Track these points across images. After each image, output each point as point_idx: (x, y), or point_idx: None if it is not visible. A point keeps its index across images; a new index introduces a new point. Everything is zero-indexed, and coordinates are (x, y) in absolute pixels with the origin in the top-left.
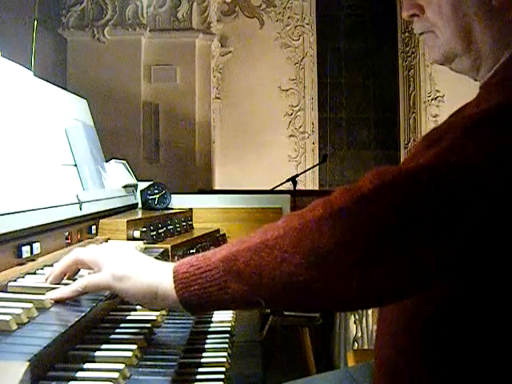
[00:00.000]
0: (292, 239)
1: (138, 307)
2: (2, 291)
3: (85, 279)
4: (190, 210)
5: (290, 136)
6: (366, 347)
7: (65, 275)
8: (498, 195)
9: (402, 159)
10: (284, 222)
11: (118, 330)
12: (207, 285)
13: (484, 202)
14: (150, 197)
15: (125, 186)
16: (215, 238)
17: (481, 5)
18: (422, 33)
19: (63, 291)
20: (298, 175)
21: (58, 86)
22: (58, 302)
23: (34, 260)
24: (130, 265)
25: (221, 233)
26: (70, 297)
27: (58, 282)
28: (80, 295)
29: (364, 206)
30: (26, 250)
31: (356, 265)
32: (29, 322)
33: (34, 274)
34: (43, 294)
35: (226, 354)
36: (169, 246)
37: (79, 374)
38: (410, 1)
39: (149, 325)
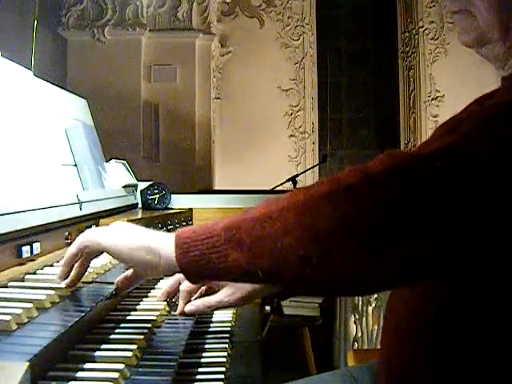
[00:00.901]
0: (295, 213)
1: (139, 307)
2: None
3: (84, 236)
4: (190, 210)
5: (290, 136)
6: (365, 347)
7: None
8: (499, 189)
9: None
10: (289, 196)
11: (117, 330)
12: (207, 251)
13: (486, 195)
14: (150, 197)
15: (125, 186)
16: None
17: None
18: (456, 12)
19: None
20: (298, 175)
21: (58, 86)
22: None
23: (33, 260)
24: (131, 232)
25: None
26: (72, 256)
27: (70, 267)
28: (79, 253)
29: (371, 186)
30: (26, 250)
31: (355, 244)
32: (29, 322)
33: (34, 273)
34: (41, 294)
35: (225, 354)
36: None
37: (79, 374)
38: None
39: (149, 325)
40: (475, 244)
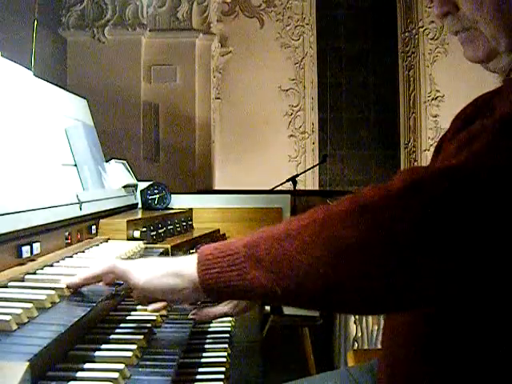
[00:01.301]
0: (314, 230)
1: (139, 307)
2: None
3: (105, 263)
4: (190, 209)
5: (290, 136)
6: (366, 347)
7: (95, 280)
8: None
9: (401, 159)
10: (309, 214)
11: (117, 330)
12: (227, 269)
13: (496, 214)
14: (150, 197)
15: (125, 186)
16: (215, 238)
17: None
18: (458, 31)
19: (81, 276)
20: (298, 175)
21: (58, 86)
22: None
23: (34, 260)
24: (155, 262)
25: (221, 233)
26: (88, 279)
27: (85, 283)
28: (99, 277)
29: (391, 203)
30: (26, 250)
31: (373, 264)
32: (29, 321)
33: (34, 273)
34: (42, 294)
35: (225, 354)
36: (169, 246)
37: (79, 374)
38: None
39: (149, 325)
40: (490, 262)
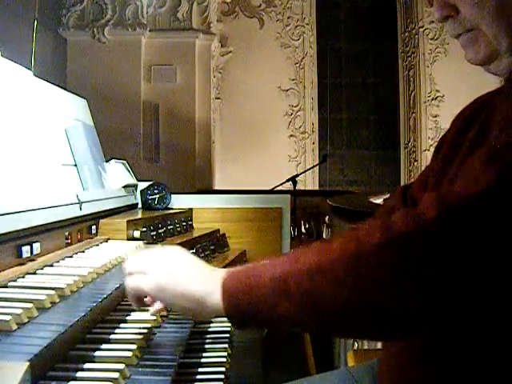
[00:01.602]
0: (347, 264)
1: None
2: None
3: (130, 282)
4: (190, 209)
5: (290, 136)
6: (366, 347)
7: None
8: None
9: (401, 159)
10: (339, 244)
11: (117, 330)
12: (256, 302)
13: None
14: (150, 197)
15: (125, 186)
16: (215, 238)
17: None
18: (460, 34)
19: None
20: (298, 175)
21: (58, 86)
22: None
23: (33, 260)
24: (176, 276)
25: (221, 233)
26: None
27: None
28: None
29: (427, 235)
30: (25, 250)
31: (415, 298)
32: (29, 321)
33: (34, 273)
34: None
35: (225, 354)
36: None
37: (79, 374)
38: (441, 2)
39: (149, 325)
40: None
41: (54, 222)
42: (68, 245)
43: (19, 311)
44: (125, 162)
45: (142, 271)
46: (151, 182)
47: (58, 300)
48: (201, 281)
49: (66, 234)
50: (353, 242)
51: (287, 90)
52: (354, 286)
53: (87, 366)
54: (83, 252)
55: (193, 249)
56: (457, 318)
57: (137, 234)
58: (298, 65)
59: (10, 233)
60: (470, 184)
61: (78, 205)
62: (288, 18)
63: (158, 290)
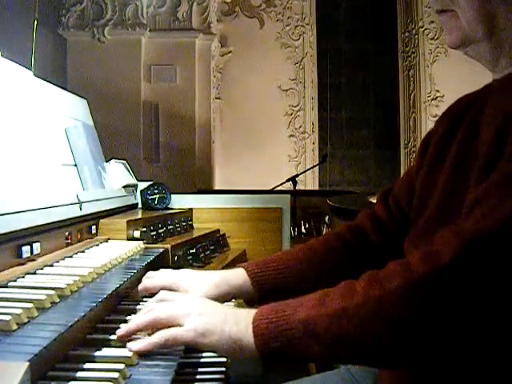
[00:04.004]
0: (371, 310)
1: (138, 307)
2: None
3: (166, 333)
4: (190, 209)
5: (290, 136)
6: None
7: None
8: None
9: (401, 159)
10: (363, 290)
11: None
12: (287, 343)
13: None
14: (150, 197)
15: (125, 186)
16: (215, 238)
17: None
18: (442, 11)
19: (144, 344)
20: (298, 175)
21: (58, 86)
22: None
23: (34, 260)
24: (210, 319)
25: (221, 233)
26: (149, 350)
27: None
28: (159, 349)
29: (444, 277)
30: (25, 250)
31: (437, 340)
32: (29, 321)
33: (34, 274)
34: (43, 294)
35: None
36: (169, 245)
37: (79, 374)
38: None
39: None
40: None
41: (54, 222)
42: (68, 245)
43: (19, 311)
44: (125, 162)
45: (175, 320)
46: (151, 182)
47: (57, 300)
48: (234, 324)
49: (66, 234)
50: (376, 288)
51: (287, 90)
52: (377, 332)
53: (87, 366)
54: (83, 252)
55: (193, 249)
56: (474, 347)
57: (137, 233)
58: (297, 65)
59: (10, 233)
60: (482, 220)
61: (78, 205)
62: (288, 18)
63: (196, 338)
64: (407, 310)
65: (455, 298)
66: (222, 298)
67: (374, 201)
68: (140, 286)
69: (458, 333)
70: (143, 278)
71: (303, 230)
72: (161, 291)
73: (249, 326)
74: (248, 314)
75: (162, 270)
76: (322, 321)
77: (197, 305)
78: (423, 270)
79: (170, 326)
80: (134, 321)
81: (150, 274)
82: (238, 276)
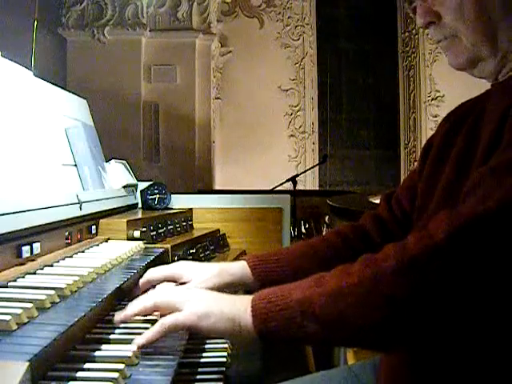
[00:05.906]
0: (366, 289)
1: None
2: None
3: (167, 320)
4: (190, 210)
5: (290, 136)
6: None
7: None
8: None
9: (401, 159)
10: (358, 270)
11: (117, 330)
12: (284, 323)
13: None
14: (150, 197)
15: (125, 186)
16: (215, 238)
17: (504, 4)
18: (441, 40)
19: (147, 336)
20: (298, 175)
21: (58, 86)
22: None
23: (34, 260)
24: (208, 302)
25: (221, 233)
26: (154, 340)
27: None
28: (163, 336)
29: (437, 258)
30: (25, 249)
31: (431, 318)
32: (29, 321)
33: (34, 273)
34: (43, 294)
35: (225, 354)
36: (169, 245)
37: (79, 374)
38: (424, 8)
39: (149, 325)
40: None
41: (54, 222)
42: (68, 245)
43: (19, 311)
44: (125, 162)
45: (174, 306)
46: (151, 182)
47: (57, 300)
48: (232, 305)
49: (66, 234)
50: (370, 267)
51: (287, 90)
52: (372, 310)
53: (87, 365)
54: (83, 252)
55: (193, 249)
56: (468, 330)
57: (137, 233)
58: (298, 65)
59: (10, 233)
60: (478, 203)
61: (78, 205)
62: (288, 17)
63: (196, 318)
64: (402, 288)
65: (450, 276)
66: (224, 287)
67: (374, 201)
68: (141, 280)
69: (452, 312)
70: (144, 276)
71: (303, 230)
72: (161, 284)
73: (248, 307)
74: (247, 298)
75: (161, 267)
76: (317, 300)
77: (195, 291)
78: (418, 248)
79: (168, 313)
80: (132, 305)
81: (150, 271)
82: (239, 267)
